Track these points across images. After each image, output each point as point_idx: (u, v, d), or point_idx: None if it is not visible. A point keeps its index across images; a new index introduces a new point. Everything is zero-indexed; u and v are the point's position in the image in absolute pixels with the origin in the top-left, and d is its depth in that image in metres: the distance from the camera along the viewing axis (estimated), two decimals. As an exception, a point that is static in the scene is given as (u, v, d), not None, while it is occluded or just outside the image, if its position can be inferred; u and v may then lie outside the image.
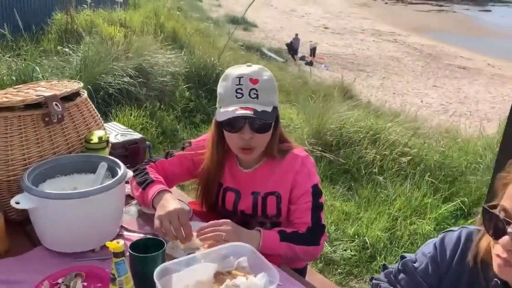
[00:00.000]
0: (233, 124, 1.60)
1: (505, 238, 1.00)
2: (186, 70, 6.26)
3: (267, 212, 1.74)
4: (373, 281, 1.41)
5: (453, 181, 4.23)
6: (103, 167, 1.62)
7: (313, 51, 20.33)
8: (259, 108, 1.55)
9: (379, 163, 4.49)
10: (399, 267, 1.36)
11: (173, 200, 1.58)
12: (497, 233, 1.03)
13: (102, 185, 1.46)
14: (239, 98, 1.57)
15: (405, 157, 4.46)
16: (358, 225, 3.63)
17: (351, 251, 3.33)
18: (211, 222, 1.55)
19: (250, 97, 1.56)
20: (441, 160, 4.51)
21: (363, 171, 4.46)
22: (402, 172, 4.37)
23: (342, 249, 3.37)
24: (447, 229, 1.33)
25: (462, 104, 14.72)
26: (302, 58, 19.79)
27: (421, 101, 14.68)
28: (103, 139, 1.73)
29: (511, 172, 1.06)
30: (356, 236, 3.50)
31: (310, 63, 18.76)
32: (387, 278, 1.38)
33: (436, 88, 16.80)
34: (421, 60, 21.71)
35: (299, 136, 4.96)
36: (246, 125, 1.58)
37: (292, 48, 19.80)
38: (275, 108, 1.61)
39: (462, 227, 1.29)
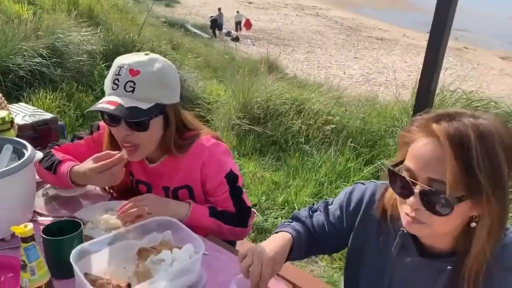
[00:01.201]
0: (110, 117, 1.47)
1: (413, 198, 1.04)
2: (104, 48, 5.94)
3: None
4: (294, 213, 1.50)
5: (373, 145, 4.47)
6: (7, 149, 1.49)
7: (239, 24, 20.20)
8: (128, 104, 1.40)
9: (305, 133, 4.61)
10: (318, 205, 1.47)
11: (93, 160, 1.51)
12: (404, 194, 1.07)
13: (5, 168, 1.35)
14: (114, 89, 1.44)
15: (328, 125, 4.62)
16: (287, 193, 3.73)
17: (281, 218, 3.42)
18: (132, 198, 1.50)
19: (126, 90, 1.42)
20: (361, 126, 4.73)
21: (291, 142, 4.56)
22: (326, 140, 4.53)
23: (273, 217, 3.45)
24: (359, 181, 1.40)
25: (381, 74, 15.50)
26: (228, 33, 19.61)
27: (344, 72, 15.24)
28: (6, 119, 1.59)
29: (412, 132, 1.09)
30: (286, 204, 3.60)
31: (236, 39, 18.64)
32: (307, 212, 1.47)
33: (357, 60, 17.51)
34: (343, 33, 22.45)
35: (227, 111, 4.95)
36: (122, 120, 1.45)
37: (216, 24, 19.52)
38: (157, 106, 1.46)
39: (371, 181, 1.37)
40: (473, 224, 1.04)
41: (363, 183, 1.38)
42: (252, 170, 4.09)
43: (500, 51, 20.97)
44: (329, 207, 1.43)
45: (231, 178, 1.63)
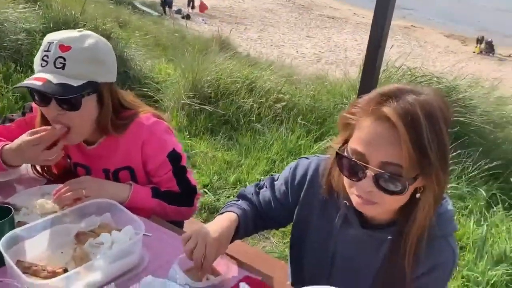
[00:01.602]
0: (39, 96, 1.39)
1: (365, 181, 1.05)
2: (44, 26, 5.60)
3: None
4: (240, 190, 1.51)
5: (323, 122, 4.54)
6: None
7: (191, 1, 19.71)
8: (58, 80, 1.34)
9: (257, 111, 4.61)
10: (265, 181, 1.48)
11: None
12: (356, 177, 1.08)
13: None
14: (43, 66, 1.36)
15: (279, 103, 4.64)
16: (239, 172, 3.74)
17: (234, 197, 3.42)
18: (68, 181, 1.44)
19: (55, 66, 1.35)
20: (312, 103, 4.79)
21: (242, 120, 4.55)
22: (277, 118, 4.55)
23: (225, 196, 3.44)
24: (303, 156, 1.42)
25: (332, 52, 15.68)
26: (178, 11, 19.10)
27: (296, 51, 15.30)
28: None
29: (357, 114, 1.09)
30: (238, 183, 3.60)
31: (187, 17, 18.20)
32: (254, 189, 1.48)
33: (310, 39, 17.60)
34: (295, 12, 22.45)
35: (177, 91, 4.85)
36: (52, 99, 1.38)
37: (166, 1, 18.92)
38: (90, 83, 1.39)
39: (315, 155, 1.39)
40: (418, 195, 1.07)
41: (307, 158, 1.40)
42: (203, 150, 4.05)
43: (445, 30, 21.77)
44: (275, 182, 1.44)
45: (174, 157, 1.60)
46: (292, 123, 4.41)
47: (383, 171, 1.02)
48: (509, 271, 2.59)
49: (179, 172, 1.62)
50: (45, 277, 1.13)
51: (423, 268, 1.14)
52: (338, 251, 1.28)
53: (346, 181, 1.14)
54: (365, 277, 1.23)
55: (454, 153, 3.48)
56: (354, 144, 1.08)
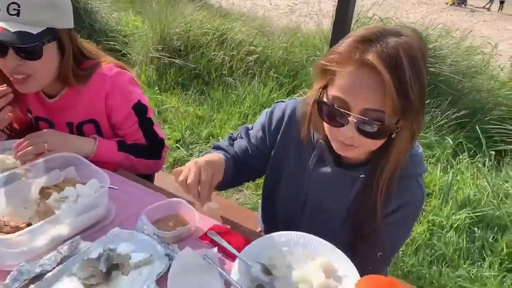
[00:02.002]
0: None
1: (347, 128, 1.04)
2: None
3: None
4: (214, 143, 1.48)
5: (296, 74, 4.50)
6: None
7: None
8: (15, 28, 1.27)
9: (228, 64, 4.52)
10: (238, 133, 1.46)
11: None
12: (337, 124, 1.07)
13: None
14: None
15: (251, 56, 4.56)
16: (211, 126, 3.71)
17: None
18: (29, 135, 1.38)
19: (9, 13, 1.27)
20: (284, 56, 4.72)
21: (214, 74, 4.46)
22: (250, 71, 4.48)
23: (197, 151, 3.43)
24: (279, 100, 1.40)
25: (306, 4, 15.34)
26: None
27: (270, 3, 14.90)
28: None
29: (336, 61, 1.06)
30: (211, 137, 3.58)
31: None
32: (228, 141, 1.46)
33: (283, -11, 17.12)
34: (268, -39, 21.68)
35: (145, 44, 4.68)
36: (9, 49, 1.30)
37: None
38: (49, 30, 1.33)
39: (292, 98, 1.38)
40: (393, 135, 1.07)
41: (283, 101, 1.38)
42: (174, 105, 3.98)
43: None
44: (250, 131, 1.43)
45: (140, 109, 1.55)
46: (264, 76, 4.35)
47: (366, 118, 1.02)
48: (471, 215, 2.71)
49: (145, 124, 1.58)
50: (8, 232, 1.10)
51: (393, 206, 1.18)
52: (311, 190, 1.30)
53: (326, 126, 1.13)
54: (337, 215, 1.26)
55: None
56: (335, 91, 1.06)
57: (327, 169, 1.25)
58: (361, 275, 1.05)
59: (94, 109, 1.52)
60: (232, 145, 1.44)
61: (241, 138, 1.44)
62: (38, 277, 1.02)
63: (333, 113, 1.07)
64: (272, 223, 1.48)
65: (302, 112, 1.25)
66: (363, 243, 1.27)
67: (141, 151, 1.57)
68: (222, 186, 1.36)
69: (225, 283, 1.08)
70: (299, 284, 1.08)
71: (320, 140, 1.23)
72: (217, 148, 1.45)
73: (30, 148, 1.34)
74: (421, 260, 2.47)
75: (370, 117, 1.02)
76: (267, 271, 1.10)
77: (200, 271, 1.09)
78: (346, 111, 1.04)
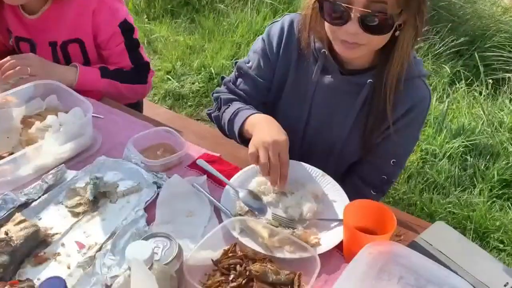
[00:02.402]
0: None
1: (351, 24, 1.02)
2: None
3: (73, 62, 1.48)
4: (214, 94, 1.41)
5: (291, 0, 4.29)
6: None
7: None
8: None
9: (220, -10, 4.29)
10: (235, 73, 1.38)
11: None
12: (340, 21, 1.04)
13: None
14: None
15: (244, -20, 4.31)
16: (203, 57, 3.59)
17: (198, 83, 3.34)
18: (10, 56, 1.32)
19: None
20: (279, -20, 4.47)
21: (204, 1, 4.25)
22: (242, -3, 4.27)
23: (189, 83, 3.35)
24: (272, 22, 1.32)
25: None
26: None
27: None
28: None
29: None
30: (202, 68, 3.48)
31: None
32: (227, 87, 1.39)
33: None
34: None
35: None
36: None
37: None
38: None
39: (285, 15, 1.30)
40: (397, 33, 1.07)
41: (276, 21, 1.31)
42: (164, 35, 3.82)
43: None
44: (247, 65, 1.34)
45: (126, 28, 1.49)
46: (257, 2, 4.15)
47: (368, 11, 1.00)
48: (465, 143, 2.71)
49: (132, 45, 1.52)
50: (-10, 162, 1.08)
51: (402, 109, 1.17)
52: (315, 103, 1.26)
53: (329, 28, 1.10)
54: (344, 125, 1.24)
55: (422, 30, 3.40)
56: None
57: (332, 78, 1.22)
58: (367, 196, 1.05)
59: (79, 27, 1.45)
60: (235, 92, 1.35)
61: (241, 79, 1.36)
62: (24, 205, 1.01)
63: (335, 10, 1.04)
64: None
65: (302, 16, 1.20)
66: (373, 154, 1.26)
67: (126, 76, 1.52)
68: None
69: (214, 210, 1.07)
70: (289, 209, 1.07)
71: (323, 50, 1.18)
72: (228, 101, 1.33)
73: (12, 71, 1.28)
74: (412, 187, 2.50)
75: (372, 9, 1.00)
76: (256, 197, 1.09)
77: (189, 198, 1.08)
78: (348, 5, 1.01)
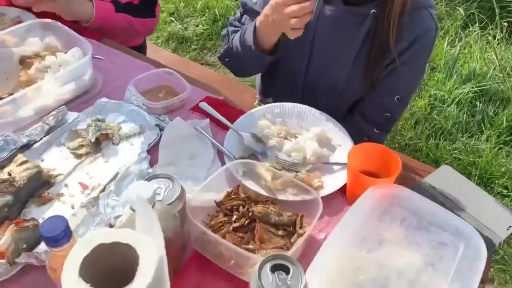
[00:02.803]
0: None
1: None
2: None
3: None
4: (222, 32, 1.38)
5: None
6: None
7: None
8: None
9: None
10: (240, 10, 1.33)
11: None
12: None
13: None
14: None
15: None
16: (207, -3, 3.46)
17: (202, 25, 3.24)
18: None
19: None
20: None
21: None
22: None
23: (193, 25, 3.25)
24: None
25: None
26: None
27: None
28: None
29: None
30: (206, 10, 3.36)
31: None
32: (232, 25, 1.34)
33: None
34: None
35: None
36: None
37: None
38: None
39: None
40: None
41: None
42: (167, -26, 3.67)
43: None
44: (253, 1, 1.28)
45: None
46: None
47: None
48: (475, 88, 2.65)
49: None
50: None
51: (406, 41, 1.13)
52: (318, 34, 1.21)
53: None
54: (346, 59, 1.20)
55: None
56: None
57: (334, 9, 1.17)
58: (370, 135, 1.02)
59: None
60: (242, 25, 1.30)
61: (246, 13, 1.30)
62: (26, 147, 1.01)
63: None
64: (272, 92, 1.43)
65: None
66: (376, 91, 1.22)
67: (136, 10, 1.50)
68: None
69: (218, 153, 1.07)
70: (292, 153, 1.06)
71: None
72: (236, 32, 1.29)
73: None
74: (419, 133, 2.48)
75: None
76: (259, 140, 1.08)
77: (191, 141, 1.07)
78: None
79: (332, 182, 1.00)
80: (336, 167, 1.04)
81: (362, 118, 1.27)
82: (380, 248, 0.83)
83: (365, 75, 1.20)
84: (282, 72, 1.32)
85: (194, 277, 0.84)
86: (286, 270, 0.68)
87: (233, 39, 1.29)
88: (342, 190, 0.99)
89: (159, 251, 0.55)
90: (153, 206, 0.69)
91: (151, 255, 0.55)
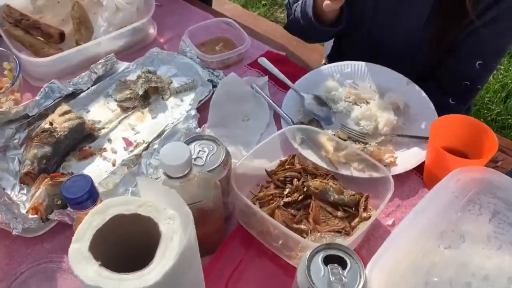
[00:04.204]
0: None
1: None
2: None
3: None
4: (285, 1, 1.23)
5: None
6: None
7: None
8: None
9: None
10: None
11: None
12: None
13: None
14: None
15: None
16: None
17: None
18: None
19: None
20: None
21: None
22: None
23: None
24: None
25: None
26: None
27: None
28: None
29: None
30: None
31: None
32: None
33: None
34: None
35: None
36: None
37: None
38: None
39: None
40: None
41: None
42: None
43: None
44: None
45: None
46: None
47: None
48: None
49: None
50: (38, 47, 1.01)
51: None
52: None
53: None
54: (416, 16, 1.02)
55: None
56: None
57: None
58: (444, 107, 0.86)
59: None
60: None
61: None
62: (72, 96, 0.95)
63: None
64: (339, 55, 1.26)
65: None
66: (453, 55, 1.03)
67: None
68: None
69: (274, 116, 0.94)
70: (361, 121, 0.91)
71: None
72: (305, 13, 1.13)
73: None
74: (509, 108, 2.18)
75: None
76: (323, 104, 0.93)
77: (246, 100, 0.96)
78: None
79: (407, 159, 0.84)
80: (413, 141, 0.88)
81: (436, 86, 1.07)
82: (462, 245, 0.67)
83: (438, 37, 1.00)
84: (349, 33, 1.15)
85: (238, 252, 0.74)
86: (342, 263, 0.56)
87: (295, 9, 1.14)
88: (419, 169, 0.83)
89: (187, 231, 0.44)
90: (188, 172, 0.59)
91: (176, 235, 0.45)
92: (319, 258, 0.56)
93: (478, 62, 1.02)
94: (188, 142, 0.69)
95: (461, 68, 1.04)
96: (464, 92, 1.08)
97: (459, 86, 1.06)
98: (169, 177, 0.58)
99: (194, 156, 0.68)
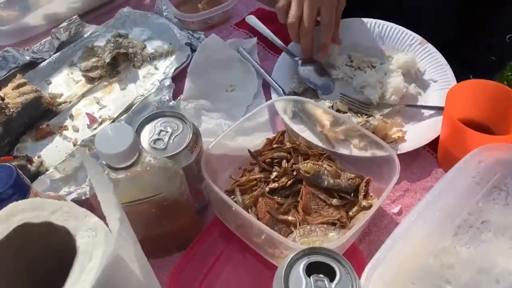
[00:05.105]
0: None
1: None
2: None
3: None
4: None
5: None
6: None
7: None
8: None
9: None
10: None
11: None
12: None
13: None
14: None
15: None
16: None
17: None
18: None
19: None
20: None
21: None
22: None
23: None
24: None
25: None
26: None
27: None
28: None
29: None
30: None
31: None
32: None
33: None
34: None
35: None
36: None
37: None
38: None
39: None
40: None
41: None
42: None
43: None
44: None
45: None
46: None
47: None
48: None
49: None
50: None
51: None
52: None
53: None
54: None
55: None
56: None
57: None
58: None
59: None
60: None
61: None
62: (31, 66, 0.82)
63: None
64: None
65: None
66: (479, 28, 0.91)
67: None
68: None
69: (263, 85, 0.81)
70: (366, 89, 0.77)
71: None
72: None
73: None
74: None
75: None
76: (321, 70, 0.80)
77: (230, 67, 0.82)
78: None
79: (419, 133, 0.70)
80: (426, 113, 0.74)
81: (460, 61, 0.93)
82: (484, 240, 0.55)
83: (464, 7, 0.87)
84: None
85: (215, 247, 0.63)
86: (330, 273, 0.44)
87: None
88: (432, 146, 0.70)
89: (113, 243, 0.33)
90: (137, 159, 0.47)
91: (98, 251, 0.34)
92: (301, 266, 0.44)
93: (509, 36, 0.91)
94: (147, 121, 0.57)
95: (486, 42, 0.93)
96: (489, 68, 0.94)
97: (484, 61, 0.92)
98: (111, 168, 0.46)
99: (153, 138, 0.55)
